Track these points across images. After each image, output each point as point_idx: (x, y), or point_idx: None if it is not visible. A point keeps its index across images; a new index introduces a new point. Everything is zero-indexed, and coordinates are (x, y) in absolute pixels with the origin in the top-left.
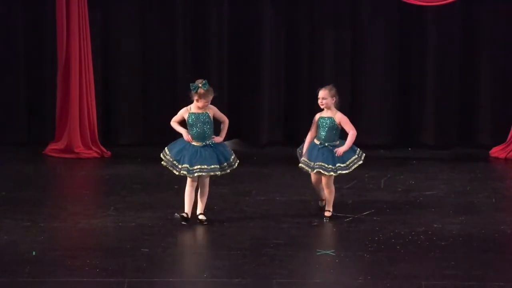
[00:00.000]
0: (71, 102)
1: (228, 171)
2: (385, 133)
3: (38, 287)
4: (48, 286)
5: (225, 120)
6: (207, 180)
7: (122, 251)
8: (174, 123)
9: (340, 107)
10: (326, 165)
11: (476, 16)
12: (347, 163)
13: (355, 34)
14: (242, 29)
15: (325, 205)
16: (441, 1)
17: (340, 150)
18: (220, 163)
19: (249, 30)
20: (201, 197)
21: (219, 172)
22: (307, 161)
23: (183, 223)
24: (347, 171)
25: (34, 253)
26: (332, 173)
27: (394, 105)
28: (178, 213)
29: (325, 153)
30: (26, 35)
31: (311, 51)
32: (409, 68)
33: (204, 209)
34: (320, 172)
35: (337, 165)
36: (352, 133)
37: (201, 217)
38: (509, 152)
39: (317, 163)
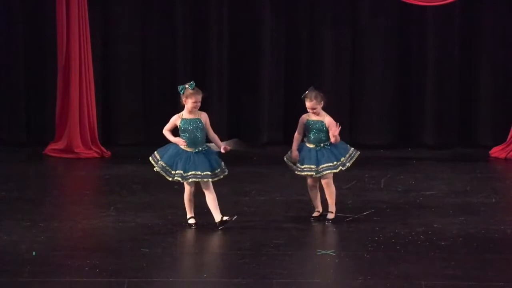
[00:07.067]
0: (71, 102)
1: (221, 177)
2: (385, 133)
3: (38, 287)
4: (48, 286)
5: (215, 137)
6: (210, 185)
7: (122, 251)
8: (166, 132)
9: (340, 107)
10: (332, 164)
11: (476, 16)
12: (347, 155)
13: (355, 34)
14: (242, 29)
15: (319, 215)
16: (441, 1)
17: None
18: (213, 169)
19: (249, 30)
20: (212, 204)
21: (211, 179)
22: (309, 166)
23: (194, 227)
24: (350, 162)
25: (34, 253)
26: (340, 167)
27: (394, 105)
28: (187, 223)
29: (325, 153)
30: (26, 35)
31: (311, 51)
32: (409, 68)
33: (221, 213)
34: (329, 172)
35: (341, 159)
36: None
37: (224, 218)
38: (509, 152)
39: (322, 166)
